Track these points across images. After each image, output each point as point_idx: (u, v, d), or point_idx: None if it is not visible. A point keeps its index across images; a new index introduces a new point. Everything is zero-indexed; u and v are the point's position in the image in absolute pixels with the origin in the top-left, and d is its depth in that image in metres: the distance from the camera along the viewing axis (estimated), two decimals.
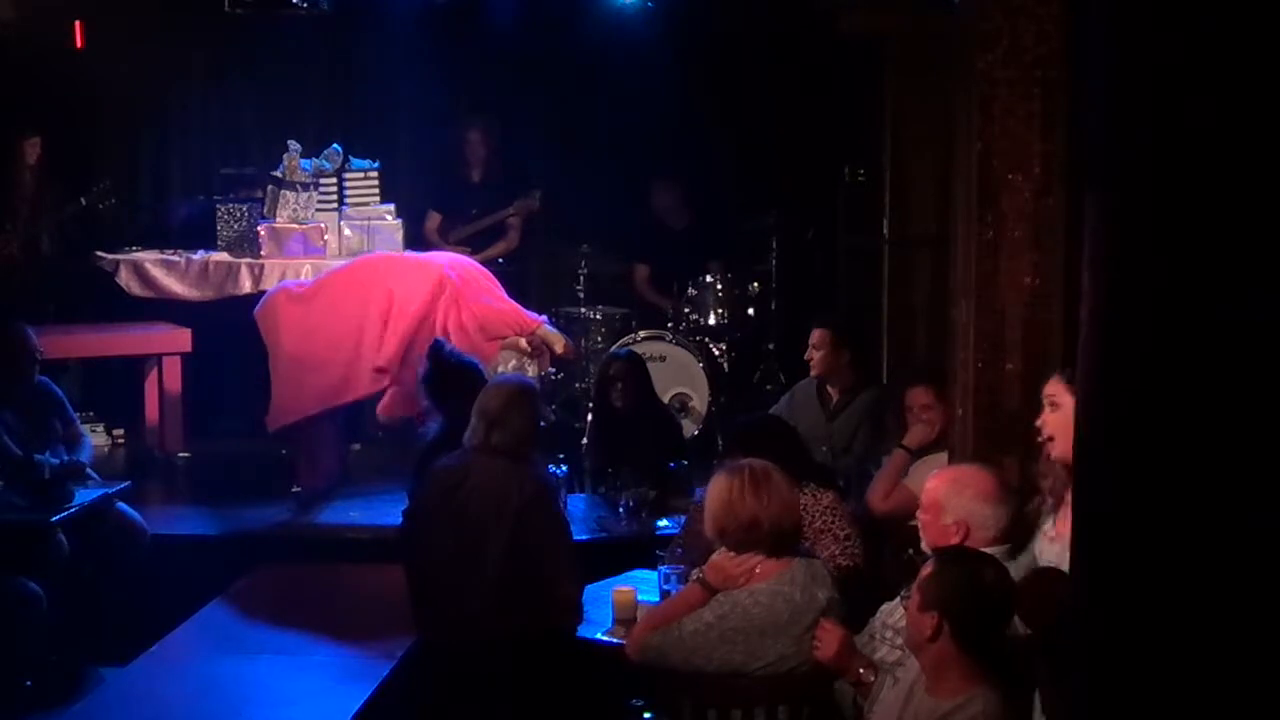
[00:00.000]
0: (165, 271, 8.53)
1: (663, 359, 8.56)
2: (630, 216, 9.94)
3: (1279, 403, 1.88)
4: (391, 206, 8.77)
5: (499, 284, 7.79)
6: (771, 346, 9.21)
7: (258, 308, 7.70)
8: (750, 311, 9.30)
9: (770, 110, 9.83)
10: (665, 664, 4.30)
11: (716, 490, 4.38)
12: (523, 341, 7.49)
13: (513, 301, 7.70)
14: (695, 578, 4.40)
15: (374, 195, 8.74)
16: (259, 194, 8.74)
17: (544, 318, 7.72)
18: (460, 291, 7.48)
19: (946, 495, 4.22)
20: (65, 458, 6.97)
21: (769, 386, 8.97)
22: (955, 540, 4.15)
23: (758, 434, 5.51)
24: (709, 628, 4.22)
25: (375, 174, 8.76)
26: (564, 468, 6.31)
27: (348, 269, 7.90)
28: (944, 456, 5.58)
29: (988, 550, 4.03)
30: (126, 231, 9.05)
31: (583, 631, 4.90)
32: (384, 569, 6.05)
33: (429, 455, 5.73)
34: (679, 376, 8.72)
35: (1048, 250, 4.83)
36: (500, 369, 7.19)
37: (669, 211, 9.76)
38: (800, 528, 4.49)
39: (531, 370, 7.44)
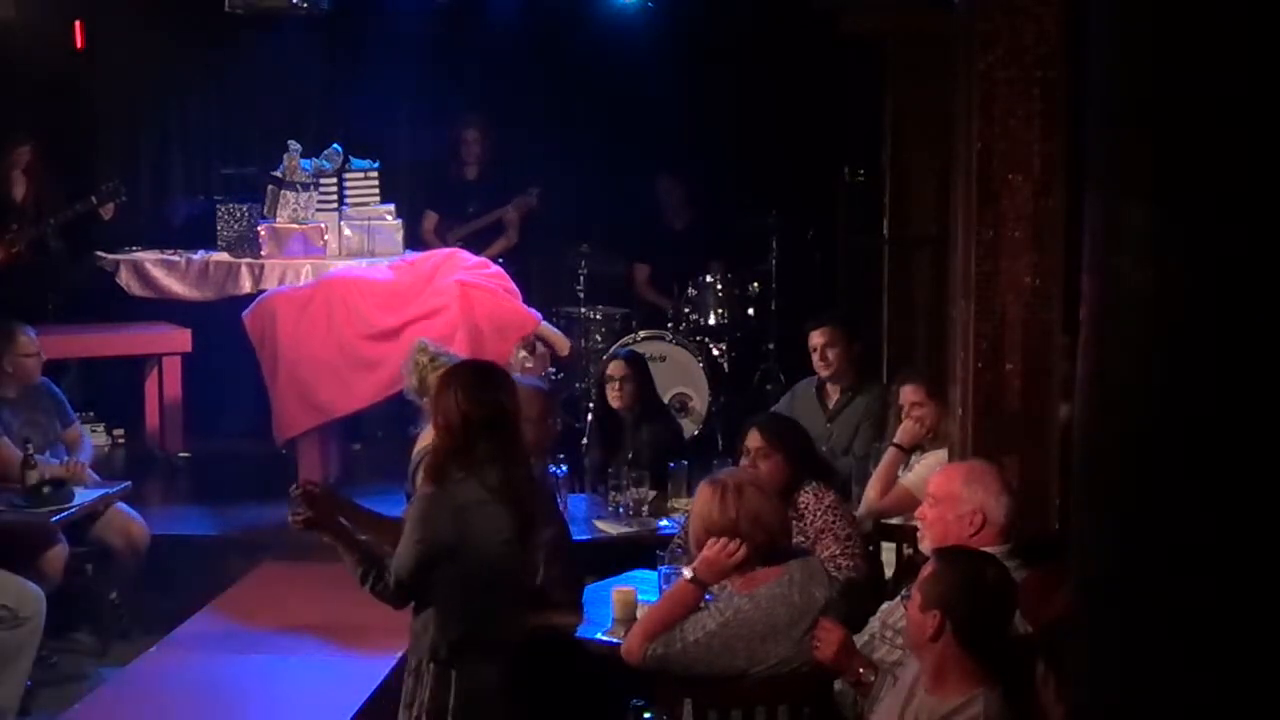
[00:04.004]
0: (165, 271, 8.53)
1: (663, 359, 8.56)
2: (630, 216, 9.95)
3: (1278, 403, 1.88)
4: (391, 206, 8.76)
5: (507, 278, 7.86)
6: (771, 346, 9.21)
7: (248, 311, 7.70)
8: (750, 311, 9.30)
9: (770, 110, 9.82)
10: (665, 670, 4.29)
11: (696, 502, 4.40)
12: (526, 341, 7.54)
13: (515, 298, 7.76)
14: (685, 576, 4.38)
15: (374, 195, 8.74)
16: (259, 194, 8.73)
17: (539, 314, 7.78)
18: (474, 291, 7.54)
19: (962, 487, 4.24)
20: (65, 458, 6.98)
21: (769, 386, 8.97)
22: (971, 531, 4.16)
23: (782, 422, 5.64)
24: (711, 636, 4.20)
25: (375, 174, 8.76)
26: (564, 468, 6.30)
27: (359, 273, 7.93)
28: (944, 454, 5.59)
29: (992, 548, 4.03)
30: (126, 231, 9.05)
31: (583, 631, 4.89)
32: None
33: (422, 456, 5.74)
34: (679, 376, 8.72)
35: (1048, 250, 4.83)
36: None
37: (672, 208, 9.77)
38: (783, 535, 4.47)
39: (531, 366, 7.45)
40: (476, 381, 4.41)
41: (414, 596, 4.35)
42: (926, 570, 3.71)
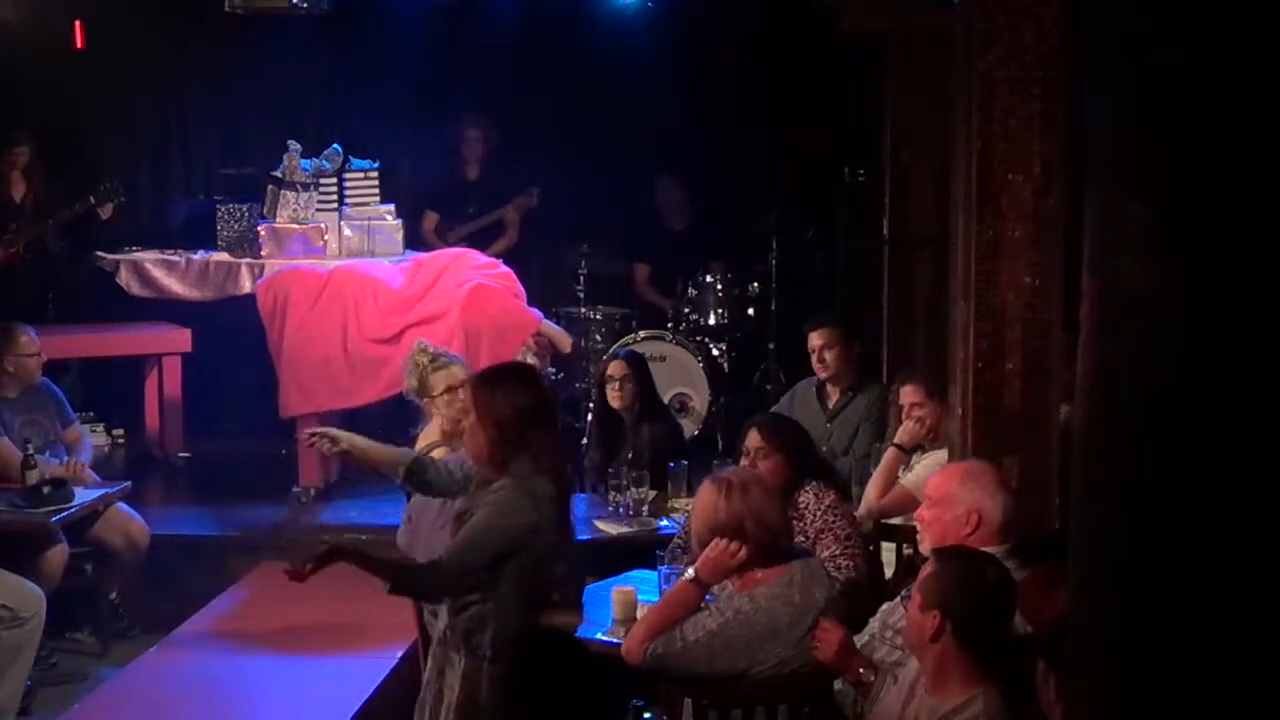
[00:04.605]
0: (165, 271, 8.53)
1: (663, 359, 8.56)
2: (630, 216, 9.95)
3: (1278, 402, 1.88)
4: (391, 206, 8.77)
5: (515, 279, 7.87)
6: (771, 346, 9.21)
7: (262, 281, 7.74)
8: (750, 311, 9.30)
9: (770, 110, 9.82)
10: (665, 670, 4.29)
11: (699, 500, 4.41)
12: (532, 340, 7.54)
13: (520, 299, 7.77)
14: (686, 576, 4.38)
15: (374, 195, 8.74)
16: (259, 194, 8.73)
17: (540, 314, 7.79)
18: (482, 293, 7.55)
19: (957, 487, 4.24)
20: (65, 458, 6.99)
21: (769, 386, 8.97)
22: (967, 531, 4.16)
23: (782, 422, 5.63)
24: (711, 636, 4.19)
25: (375, 174, 8.76)
26: None
27: (369, 270, 7.93)
28: (945, 454, 5.59)
29: (990, 548, 4.03)
30: (126, 231, 9.05)
31: (583, 631, 4.89)
32: None
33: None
34: (679, 376, 8.72)
35: (1048, 250, 4.83)
36: None
37: (672, 208, 9.77)
38: (785, 534, 4.47)
39: (532, 362, 7.45)
40: (517, 380, 4.48)
41: (464, 586, 4.38)
42: (925, 570, 3.71)
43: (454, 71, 10.07)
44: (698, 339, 9.04)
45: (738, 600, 4.24)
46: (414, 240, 8.98)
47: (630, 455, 6.60)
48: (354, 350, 7.57)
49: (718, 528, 4.25)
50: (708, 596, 4.33)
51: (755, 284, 9.27)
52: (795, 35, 9.42)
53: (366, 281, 7.79)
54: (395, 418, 8.17)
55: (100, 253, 8.67)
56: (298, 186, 8.49)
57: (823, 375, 6.90)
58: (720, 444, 8.38)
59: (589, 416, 7.86)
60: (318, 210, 8.54)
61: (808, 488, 5.26)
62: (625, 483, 6.20)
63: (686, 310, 9.20)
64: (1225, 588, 1.90)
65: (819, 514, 5.20)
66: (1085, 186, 2.07)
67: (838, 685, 4.24)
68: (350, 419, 8.32)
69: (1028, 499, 4.70)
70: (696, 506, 4.41)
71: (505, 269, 8.01)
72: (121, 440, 8.98)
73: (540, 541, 4.39)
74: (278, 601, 6.44)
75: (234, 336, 8.19)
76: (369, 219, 8.64)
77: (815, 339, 6.88)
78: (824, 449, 6.55)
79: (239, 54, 9.70)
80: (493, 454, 4.43)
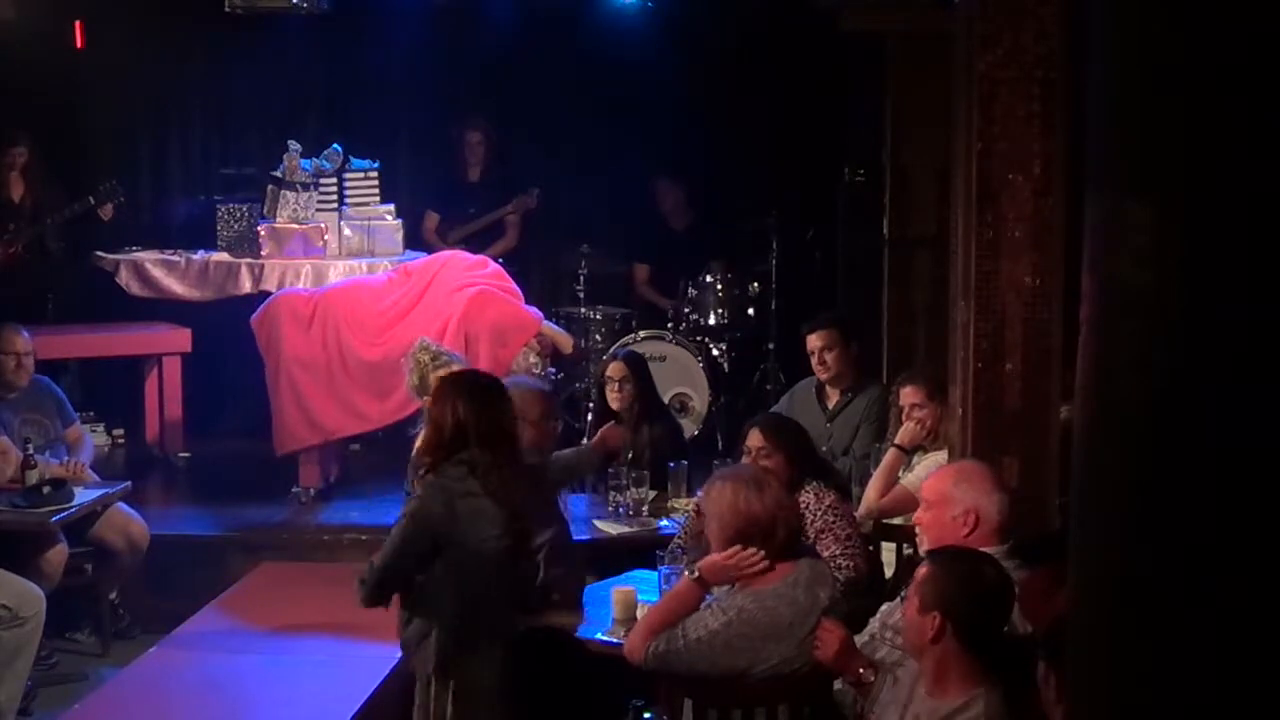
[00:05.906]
0: (165, 271, 8.52)
1: (663, 359, 8.56)
2: (630, 216, 9.95)
3: (1278, 402, 1.88)
4: (391, 206, 8.76)
5: (507, 277, 7.84)
6: (771, 346, 9.21)
7: (255, 316, 7.66)
8: (750, 311, 9.30)
9: (770, 110, 9.82)
10: (667, 668, 4.28)
11: (715, 501, 4.31)
12: (534, 341, 7.54)
13: (518, 300, 7.75)
14: (689, 575, 4.37)
15: (374, 195, 8.74)
16: (259, 194, 8.73)
17: (540, 314, 7.78)
18: (481, 299, 7.53)
19: (952, 488, 4.24)
20: (66, 457, 6.99)
21: (769, 386, 8.97)
22: (965, 531, 4.16)
23: (783, 422, 5.62)
24: (714, 635, 4.18)
25: (375, 174, 8.76)
26: None
27: (357, 286, 7.87)
28: (945, 455, 5.59)
29: (989, 548, 4.03)
30: (126, 231, 9.05)
31: (583, 631, 4.89)
32: None
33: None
34: (679, 376, 8.73)
35: (1048, 250, 4.84)
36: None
37: (671, 211, 9.78)
38: (800, 530, 4.47)
39: (534, 362, 7.45)
40: (476, 394, 4.42)
41: (387, 589, 4.38)
42: (921, 572, 3.70)
43: (454, 71, 10.06)
44: (698, 339, 9.04)
45: (741, 599, 4.23)
46: (414, 240, 8.97)
47: (630, 455, 6.60)
48: (355, 370, 7.49)
49: (753, 522, 4.19)
50: (709, 596, 4.33)
51: (755, 284, 9.27)
52: (795, 35, 9.41)
53: (356, 298, 7.69)
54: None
55: (100, 253, 8.66)
56: (298, 186, 8.49)
57: (823, 376, 6.89)
58: (720, 444, 8.38)
59: (589, 416, 7.86)
60: (318, 210, 8.53)
61: (808, 488, 5.26)
62: (625, 483, 6.21)
63: (686, 310, 9.20)
64: (1225, 588, 1.90)
65: (819, 514, 5.20)
66: (1085, 186, 2.07)
67: (838, 685, 4.24)
68: None
69: (1028, 499, 4.71)
70: (713, 507, 4.32)
71: (495, 267, 7.95)
72: (121, 440, 8.98)
73: (461, 549, 4.27)
74: (278, 601, 6.44)
75: (234, 336, 8.16)
76: (369, 219, 8.63)
77: (814, 340, 6.87)
78: (824, 449, 6.54)
79: (239, 54, 9.70)
80: (425, 453, 4.41)
